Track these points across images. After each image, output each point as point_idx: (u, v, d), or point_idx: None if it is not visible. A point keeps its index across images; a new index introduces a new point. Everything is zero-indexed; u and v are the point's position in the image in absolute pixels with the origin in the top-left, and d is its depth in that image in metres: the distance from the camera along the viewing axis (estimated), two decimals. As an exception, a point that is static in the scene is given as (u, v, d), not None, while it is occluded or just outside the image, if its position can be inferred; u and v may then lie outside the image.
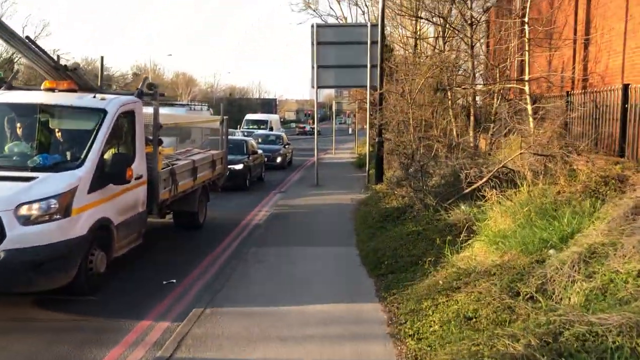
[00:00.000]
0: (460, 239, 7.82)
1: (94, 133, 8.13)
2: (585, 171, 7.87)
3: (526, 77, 12.35)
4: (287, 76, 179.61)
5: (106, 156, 8.19)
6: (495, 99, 16.61)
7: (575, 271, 5.09)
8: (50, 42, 51.33)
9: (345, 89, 53.87)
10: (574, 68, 15.66)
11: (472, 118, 18.48)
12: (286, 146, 28.86)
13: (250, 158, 20.25)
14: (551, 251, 6.09)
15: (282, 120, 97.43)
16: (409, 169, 14.25)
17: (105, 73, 61.37)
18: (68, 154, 8.12)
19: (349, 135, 63.87)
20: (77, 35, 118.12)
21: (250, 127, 44.21)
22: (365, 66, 18.69)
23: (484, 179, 8.49)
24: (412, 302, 6.16)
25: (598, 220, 6.46)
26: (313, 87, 19.24)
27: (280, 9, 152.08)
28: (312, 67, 19.08)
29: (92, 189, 7.72)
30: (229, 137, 25.23)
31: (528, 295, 5.22)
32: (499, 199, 8.24)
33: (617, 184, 7.59)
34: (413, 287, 6.75)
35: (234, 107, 71.30)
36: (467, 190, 8.68)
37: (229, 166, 18.70)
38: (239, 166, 19.10)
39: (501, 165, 8.50)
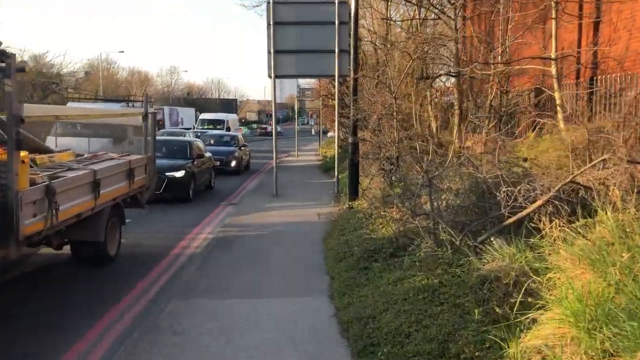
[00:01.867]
0: (515, 306, 4.52)
1: None
2: None
3: (553, 54, 9.19)
4: (249, 76, 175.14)
5: None
6: (490, 90, 13.57)
7: None
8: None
9: (309, 89, 50.43)
10: (578, 51, 12.50)
11: (456, 113, 15.49)
12: (242, 148, 25.36)
13: (195, 163, 16.69)
14: None
15: (243, 120, 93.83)
16: (392, 176, 11.01)
17: (50, 71, 56.74)
18: None
19: (313, 136, 60.74)
20: (24, 30, 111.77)
21: (206, 127, 40.57)
22: (333, 51, 15.37)
23: (539, 202, 5.17)
24: None
25: None
26: (270, 76, 15.79)
27: None
28: (268, 53, 15.68)
29: None
30: (170, 137, 21.75)
31: None
32: (565, 233, 4.99)
33: None
34: None
35: (192, 107, 67.49)
36: (510, 220, 5.37)
37: (168, 173, 15.29)
38: (180, 173, 15.56)
39: (568, 180, 5.24)
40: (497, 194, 5.44)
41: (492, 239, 5.48)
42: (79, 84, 68.29)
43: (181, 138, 20.59)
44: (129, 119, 11.26)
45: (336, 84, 16.33)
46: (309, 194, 16.75)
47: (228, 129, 38.63)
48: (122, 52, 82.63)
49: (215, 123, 41.17)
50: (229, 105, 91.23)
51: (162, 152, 16.73)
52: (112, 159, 9.73)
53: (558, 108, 9.08)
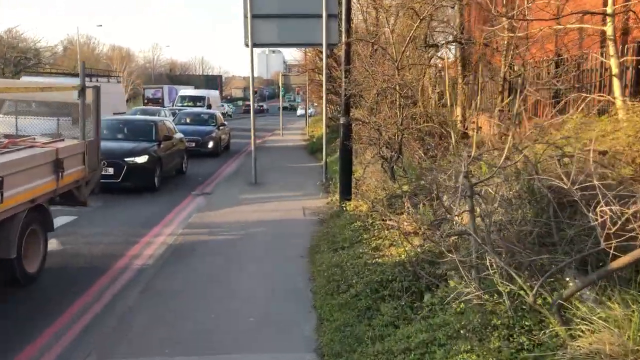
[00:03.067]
0: None
1: None
2: None
3: (609, 9, 7.00)
4: (233, 52, 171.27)
5: None
6: (505, 59, 11.39)
7: None
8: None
9: (295, 65, 47.74)
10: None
11: (459, 88, 13.36)
12: (221, 127, 23.04)
13: (162, 146, 14.40)
14: None
15: (229, 97, 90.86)
16: (392, 165, 8.86)
17: (23, 44, 53.74)
18: None
19: (299, 112, 58.33)
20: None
21: (185, 104, 38.10)
22: (320, 16, 13.11)
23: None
24: None
25: None
26: (246, 45, 13.49)
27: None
28: (245, 17, 13.38)
29: None
30: (132, 117, 19.39)
31: None
32: None
33: None
34: None
35: (175, 83, 65.04)
36: (624, 261, 3.15)
37: (128, 159, 13.05)
38: (142, 158, 13.28)
39: None
40: (590, 213, 3.28)
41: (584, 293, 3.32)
42: (56, 60, 65.44)
43: (144, 117, 18.13)
44: (53, 94, 8.84)
45: (324, 54, 14.08)
46: (293, 181, 14.59)
47: (209, 107, 36.25)
48: (100, 26, 78.76)
49: (195, 100, 38.70)
50: (214, 81, 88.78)
51: (123, 134, 14.55)
52: (32, 146, 7.45)
53: (615, 79, 6.90)
